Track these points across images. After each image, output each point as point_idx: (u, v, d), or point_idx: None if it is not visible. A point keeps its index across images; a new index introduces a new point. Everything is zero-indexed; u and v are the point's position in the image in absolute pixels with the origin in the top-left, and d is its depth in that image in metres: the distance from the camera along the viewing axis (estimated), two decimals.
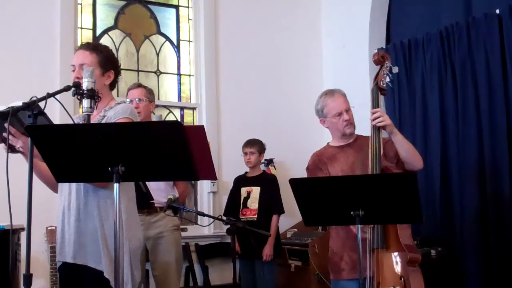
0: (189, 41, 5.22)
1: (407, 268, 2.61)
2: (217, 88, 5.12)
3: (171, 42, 5.17)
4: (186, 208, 3.57)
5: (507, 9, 3.92)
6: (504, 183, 3.86)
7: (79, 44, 4.64)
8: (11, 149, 2.10)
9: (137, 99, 3.53)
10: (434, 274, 3.86)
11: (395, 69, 3.02)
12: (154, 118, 3.71)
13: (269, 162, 4.98)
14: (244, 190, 4.44)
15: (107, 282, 2.18)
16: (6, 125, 1.98)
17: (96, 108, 2.15)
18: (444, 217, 4.24)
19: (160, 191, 3.43)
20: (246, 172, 4.55)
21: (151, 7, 5.14)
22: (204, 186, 4.97)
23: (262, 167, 4.75)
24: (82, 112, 2.18)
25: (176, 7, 5.25)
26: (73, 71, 2.38)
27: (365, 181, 2.43)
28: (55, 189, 2.40)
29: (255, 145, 4.44)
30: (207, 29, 5.15)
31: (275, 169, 4.99)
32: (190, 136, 1.86)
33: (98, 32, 4.84)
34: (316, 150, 3.11)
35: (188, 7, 5.28)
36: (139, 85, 3.67)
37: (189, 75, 5.20)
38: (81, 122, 2.38)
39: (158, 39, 5.13)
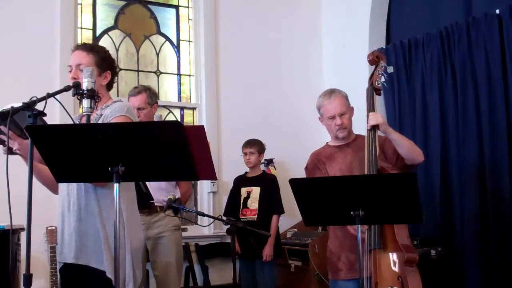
0: (189, 41, 5.22)
1: (404, 268, 2.61)
2: (217, 88, 5.12)
3: (171, 42, 5.17)
4: (186, 208, 3.57)
5: (507, 9, 3.92)
6: (504, 183, 3.86)
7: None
8: (10, 151, 2.10)
9: (138, 108, 3.47)
10: (434, 274, 3.86)
11: (390, 69, 3.03)
12: (154, 118, 3.70)
13: (269, 162, 4.98)
14: (244, 190, 4.44)
15: (109, 282, 2.18)
16: (1, 127, 1.99)
17: (96, 108, 2.16)
18: (444, 217, 4.24)
19: (162, 190, 3.43)
20: (246, 172, 4.55)
21: (151, 7, 5.14)
22: (204, 186, 4.97)
23: (262, 167, 4.75)
24: (82, 112, 2.18)
25: (176, 7, 5.25)
26: (70, 71, 2.39)
27: (365, 181, 2.43)
28: (54, 191, 2.40)
29: (255, 145, 4.44)
30: (207, 29, 5.15)
31: (275, 169, 4.99)
32: (190, 136, 1.86)
33: (98, 32, 4.84)
34: (314, 150, 3.12)
35: (188, 7, 5.28)
36: (139, 92, 3.53)
37: (189, 75, 5.20)
38: (77, 121, 2.38)
39: (158, 39, 5.13)
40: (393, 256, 2.65)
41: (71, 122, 2.32)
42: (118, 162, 1.86)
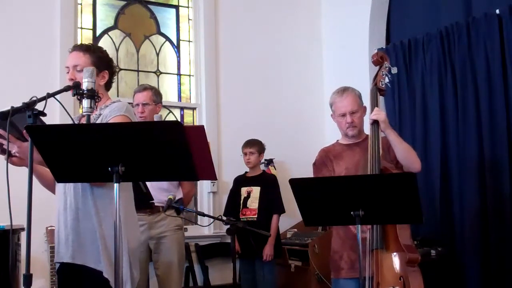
0: (189, 41, 5.22)
1: (406, 268, 2.61)
2: (217, 88, 5.12)
3: (171, 42, 5.17)
4: (186, 208, 3.57)
5: (507, 9, 3.92)
6: (504, 183, 3.86)
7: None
8: (10, 155, 2.09)
9: (143, 103, 3.50)
10: (434, 274, 3.86)
11: (394, 70, 3.03)
12: (154, 118, 3.70)
13: (269, 162, 4.98)
14: (244, 190, 4.44)
15: (106, 282, 2.18)
16: (0, 131, 1.99)
17: (96, 108, 2.16)
18: (444, 217, 4.24)
19: (163, 191, 3.43)
20: (246, 172, 4.55)
21: (151, 7, 5.13)
22: (204, 186, 4.97)
23: (262, 167, 4.75)
24: (82, 112, 2.18)
25: (176, 7, 5.25)
26: (68, 72, 2.39)
27: (365, 181, 2.43)
28: (55, 191, 2.40)
29: (255, 145, 4.44)
30: (207, 29, 5.15)
31: (275, 169, 4.99)
32: (190, 136, 1.86)
33: (98, 32, 4.84)
34: (324, 146, 3.13)
35: (188, 7, 5.27)
36: (145, 88, 3.61)
37: (189, 75, 5.20)
38: (76, 121, 2.38)
39: (158, 39, 5.12)
40: (395, 256, 2.66)
41: (71, 122, 2.32)
42: (118, 162, 1.86)
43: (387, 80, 2.96)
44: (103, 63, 2.42)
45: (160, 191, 3.43)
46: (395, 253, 2.66)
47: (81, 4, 4.76)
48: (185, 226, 4.14)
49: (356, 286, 2.70)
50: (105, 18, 4.90)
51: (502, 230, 3.83)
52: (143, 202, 3.19)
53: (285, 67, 5.41)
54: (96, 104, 2.13)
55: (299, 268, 4.47)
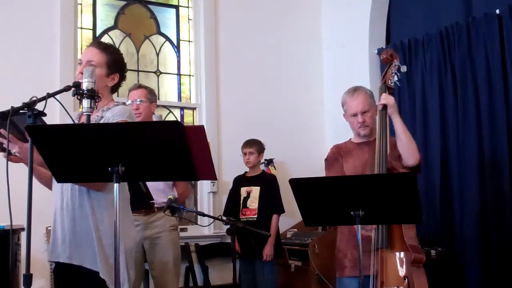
0: (189, 41, 5.22)
1: (411, 268, 2.61)
2: (217, 88, 5.12)
3: (171, 42, 5.17)
4: (186, 208, 3.57)
5: (507, 9, 3.92)
6: (504, 183, 3.86)
7: (79, 44, 4.66)
8: (9, 154, 2.09)
9: (138, 100, 3.52)
10: (434, 274, 3.86)
11: (404, 68, 3.03)
12: (154, 118, 3.71)
13: (269, 162, 4.98)
14: (244, 190, 4.44)
15: (103, 282, 2.17)
16: (1, 131, 1.98)
17: (96, 108, 2.15)
18: (444, 217, 4.24)
19: (159, 191, 3.43)
20: (246, 172, 4.55)
21: (151, 7, 5.14)
22: (204, 186, 4.97)
23: (262, 167, 4.75)
24: (82, 112, 2.17)
25: (176, 7, 5.25)
26: (80, 64, 2.38)
27: (365, 181, 2.43)
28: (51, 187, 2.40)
29: (254, 145, 4.44)
30: (207, 29, 5.15)
31: (275, 169, 4.99)
32: (190, 136, 1.85)
33: (98, 32, 4.84)
34: (336, 143, 3.15)
35: (188, 7, 5.28)
36: (139, 86, 3.65)
37: (189, 75, 5.20)
38: (76, 119, 2.38)
39: (158, 39, 5.13)
40: (400, 256, 2.66)
41: (71, 122, 2.32)
42: (118, 162, 1.85)
43: (396, 78, 2.96)
44: (116, 65, 2.41)
45: (157, 192, 3.42)
46: (400, 253, 2.66)
47: (81, 4, 4.76)
48: (185, 226, 4.15)
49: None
50: (105, 18, 4.90)
51: (502, 230, 3.84)
52: (143, 202, 3.19)
53: (285, 67, 5.41)
54: (97, 104, 2.12)
55: (299, 268, 4.47)
